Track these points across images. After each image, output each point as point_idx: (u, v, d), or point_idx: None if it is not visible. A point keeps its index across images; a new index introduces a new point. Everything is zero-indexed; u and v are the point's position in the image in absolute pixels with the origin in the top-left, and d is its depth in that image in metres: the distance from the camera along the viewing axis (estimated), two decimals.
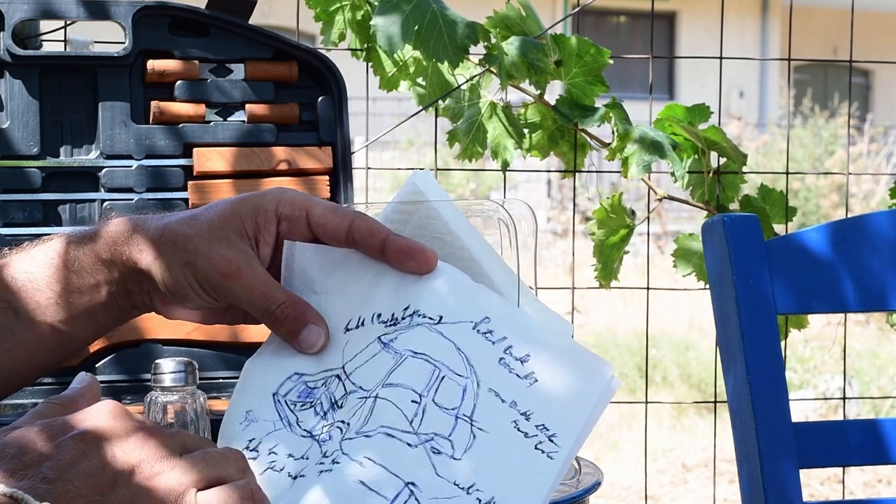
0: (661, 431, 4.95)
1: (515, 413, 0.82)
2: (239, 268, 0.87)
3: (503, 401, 0.83)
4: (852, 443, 1.26)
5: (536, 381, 0.84)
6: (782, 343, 1.33)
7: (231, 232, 0.88)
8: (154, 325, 1.32)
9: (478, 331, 0.85)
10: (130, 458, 0.71)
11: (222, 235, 0.87)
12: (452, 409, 0.82)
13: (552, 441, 0.81)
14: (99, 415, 0.74)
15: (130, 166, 1.36)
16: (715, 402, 2.12)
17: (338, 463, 0.79)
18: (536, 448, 0.81)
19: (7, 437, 0.73)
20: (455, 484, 0.79)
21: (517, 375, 0.84)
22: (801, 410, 4.96)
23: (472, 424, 0.82)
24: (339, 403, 0.84)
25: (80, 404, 0.79)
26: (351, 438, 0.81)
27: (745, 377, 1.21)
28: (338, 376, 0.85)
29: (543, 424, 0.82)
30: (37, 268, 0.89)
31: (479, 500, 0.79)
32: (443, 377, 0.83)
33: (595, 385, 0.84)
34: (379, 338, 0.86)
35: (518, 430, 0.82)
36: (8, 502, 0.68)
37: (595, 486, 1.13)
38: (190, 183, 1.37)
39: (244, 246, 0.88)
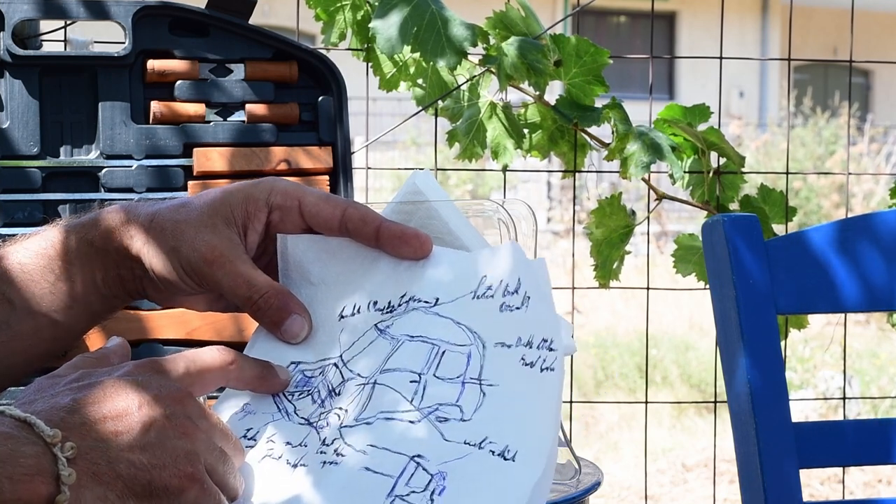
0: (661, 431, 4.95)
1: (522, 349, 0.82)
2: (222, 254, 0.86)
3: (509, 346, 0.82)
4: (852, 443, 1.26)
5: (530, 298, 0.83)
6: (782, 343, 1.33)
7: (219, 219, 0.87)
8: (155, 324, 1.32)
9: (477, 297, 0.85)
10: (155, 412, 0.73)
11: (209, 223, 0.87)
12: (458, 378, 0.81)
13: (551, 350, 0.81)
14: (134, 366, 0.77)
15: (130, 166, 1.36)
16: (715, 402, 2.12)
17: (343, 455, 0.79)
18: (542, 371, 0.80)
19: (41, 378, 0.77)
20: (465, 443, 0.78)
21: (516, 308, 0.83)
22: (801, 410, 4.96)
23: (480, 384, 0.81)
24: (337, 391, 0.83)
25: (112, 360, 0.82)
26: (350, 426, 0.80)
27: (745, 377, 1.21)
28: (335, 364, 0.85)
29: (543, 337, 0.81)
30: (31, 258, 0.90)
31: (493, 452, 0.77)
32: (443, 352, 0.82)
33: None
34: (375, 325, 0.86)
35: (525, 363, 0.81)
36: (20, 426, 0.70)
37: (595, 486, 1.13)
38: (190, 183, 1.37)
39: (231, 234, 0.87)
